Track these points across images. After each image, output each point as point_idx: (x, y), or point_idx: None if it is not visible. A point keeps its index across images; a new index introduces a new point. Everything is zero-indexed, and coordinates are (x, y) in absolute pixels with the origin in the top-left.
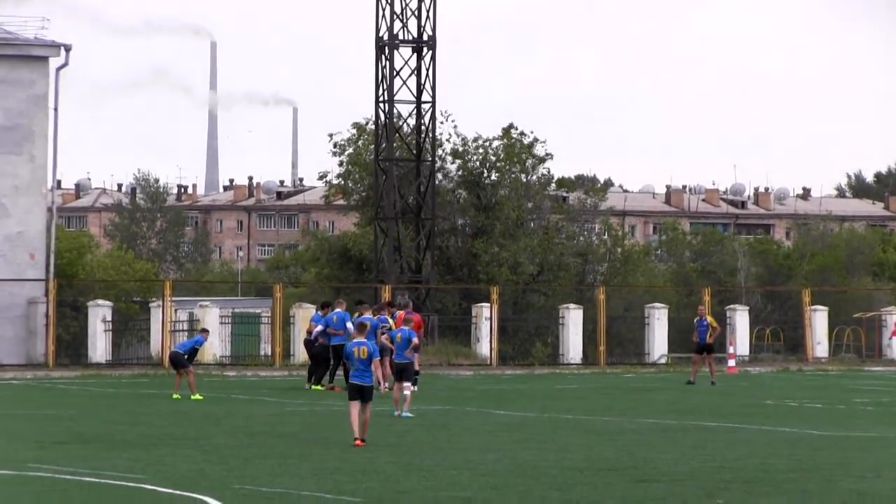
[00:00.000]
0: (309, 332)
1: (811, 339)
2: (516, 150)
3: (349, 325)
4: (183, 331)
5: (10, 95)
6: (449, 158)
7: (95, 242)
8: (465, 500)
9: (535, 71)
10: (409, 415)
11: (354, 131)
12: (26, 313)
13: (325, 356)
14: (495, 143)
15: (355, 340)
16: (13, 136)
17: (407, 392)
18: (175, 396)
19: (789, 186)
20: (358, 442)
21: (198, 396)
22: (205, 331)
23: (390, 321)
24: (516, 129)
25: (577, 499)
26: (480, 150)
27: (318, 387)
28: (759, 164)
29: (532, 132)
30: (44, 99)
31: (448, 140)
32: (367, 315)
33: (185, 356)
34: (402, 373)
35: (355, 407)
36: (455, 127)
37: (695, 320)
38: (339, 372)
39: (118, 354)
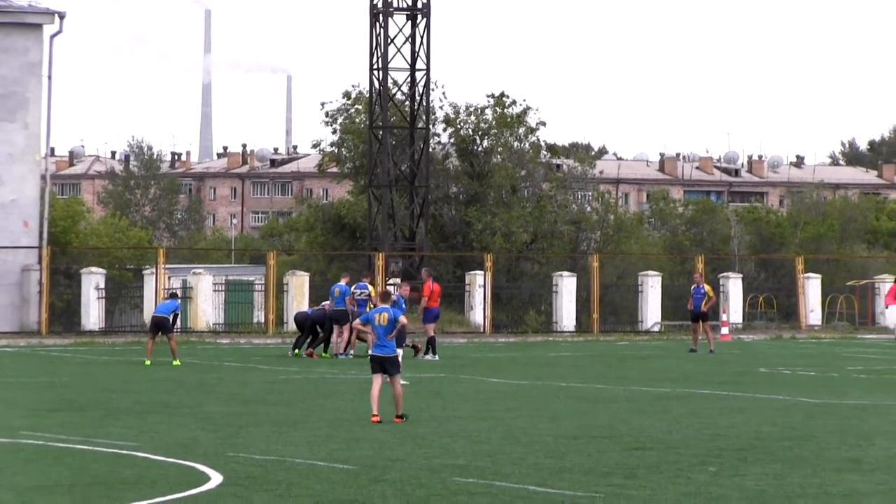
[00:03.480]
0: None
1: (804, 306)
2: (508, 118)
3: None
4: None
5: (4, 63)
6: (441, 126)
7: (89, 210)
8: (459, 468)
9: (529, 38)
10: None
11: (345, 100)
12: (20, 281)
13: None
14: (487, 112)
15: (379, 307)
16: (7, 103)
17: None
18: (147, 363)
19: (783, 154)
20: (375, 418)
21: (177, 362)
22: (174, 295)
23: (370, 288)
24: (507, 97)
25: (570, 466)
26: (472, 119)
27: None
28: (753, 132)
29: (524, 100)
30: (37, 66)
31: (441, 108)
32: (343, 283)
33: (170, 320)
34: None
35: (377, 381)
36: (444, 95)
37: (691, 287)
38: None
39: (111, 322)
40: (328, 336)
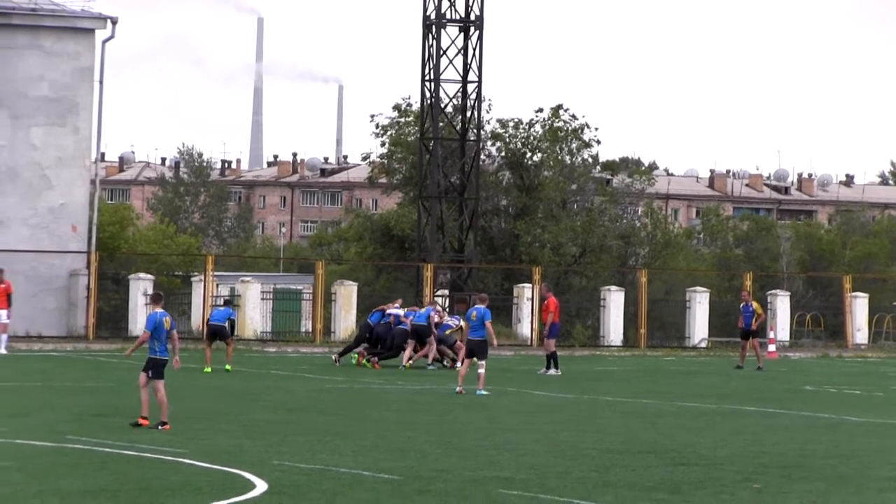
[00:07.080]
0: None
1: (851, 325)
2: (561, 133)
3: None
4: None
5: (56, 67)
6: (490, 140)
7: (137, 215)
8: (503, 481)
9: (581, 52)
10: (485, 392)
11: (395, 113)
12: (67, 285)
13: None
14: (537, 126)
15: (159, 311)
16: (58, 107)
17: (481, 370)
18: (207, 370)
19: (833, 173)
20: (144, 421)
21: (228, 367)
22: (229, 302)
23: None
24: (566, 110)
25: (615, 480)
26: (522, 132)
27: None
28: (804, 150)
29: (583, 116)
30: (89, 71)
31: (489, 122)
32: (397, 305)
33: (227, 327)
34: (475, 351)
35: (146, 381)
36: (489, 109)
37: (740, 305)
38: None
39: None
40: (397, 351)
